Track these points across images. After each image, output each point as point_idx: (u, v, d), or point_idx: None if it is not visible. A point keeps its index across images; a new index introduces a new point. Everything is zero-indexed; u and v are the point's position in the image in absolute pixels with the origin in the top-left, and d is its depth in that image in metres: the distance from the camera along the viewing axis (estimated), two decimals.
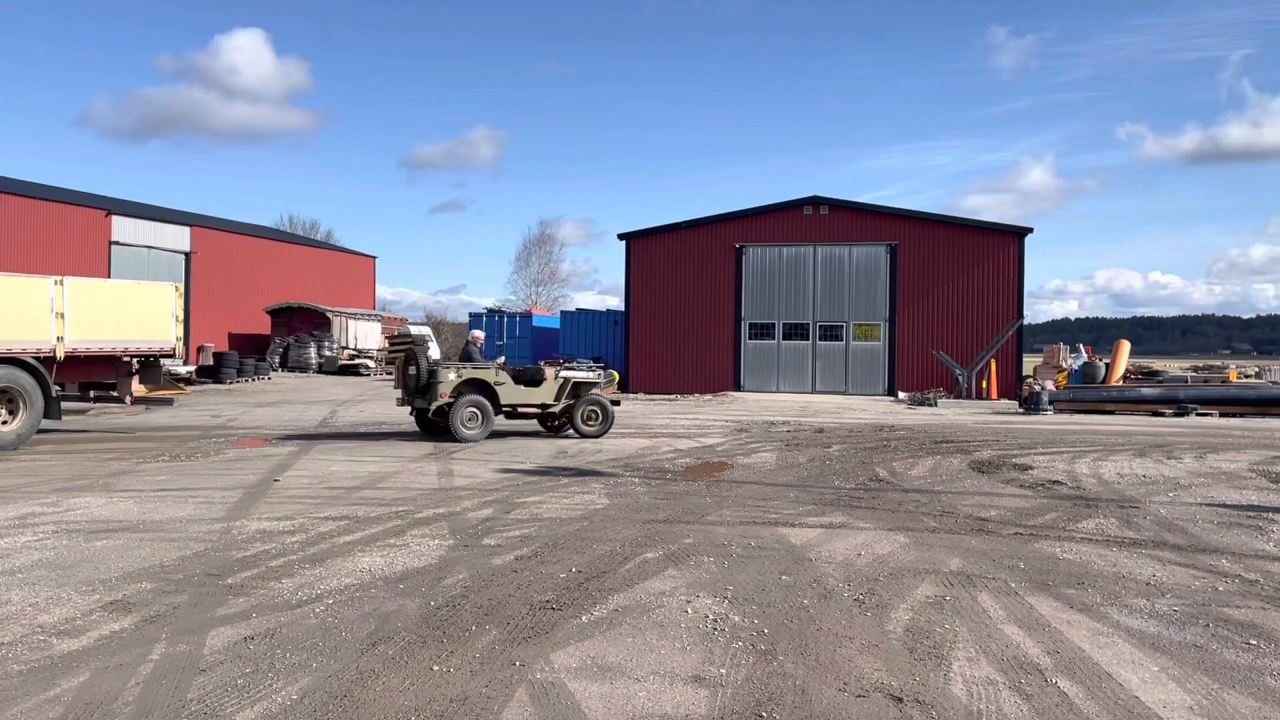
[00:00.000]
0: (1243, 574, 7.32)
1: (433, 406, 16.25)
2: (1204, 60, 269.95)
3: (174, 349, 17.76)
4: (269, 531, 8.57)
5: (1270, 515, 9.84)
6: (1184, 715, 4.55)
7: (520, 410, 17.02)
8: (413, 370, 16.66)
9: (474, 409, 16.27)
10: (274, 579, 6.88)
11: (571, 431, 17.22)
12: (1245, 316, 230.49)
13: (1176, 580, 7.12)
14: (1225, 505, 10.47)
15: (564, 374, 17.03)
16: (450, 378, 16.44)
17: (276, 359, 44.25)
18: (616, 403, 17.85)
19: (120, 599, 6.36)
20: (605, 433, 16.93)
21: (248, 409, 23.75)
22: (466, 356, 17.52)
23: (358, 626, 5.77)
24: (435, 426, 16.66)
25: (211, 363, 35.81)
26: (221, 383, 34.26)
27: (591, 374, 17.49)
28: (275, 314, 47.49)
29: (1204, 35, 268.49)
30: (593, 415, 16.94)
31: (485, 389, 16.57)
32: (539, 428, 17.87)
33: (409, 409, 17.39)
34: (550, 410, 17.05)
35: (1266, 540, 8.59)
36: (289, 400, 27.26)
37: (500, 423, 17.26)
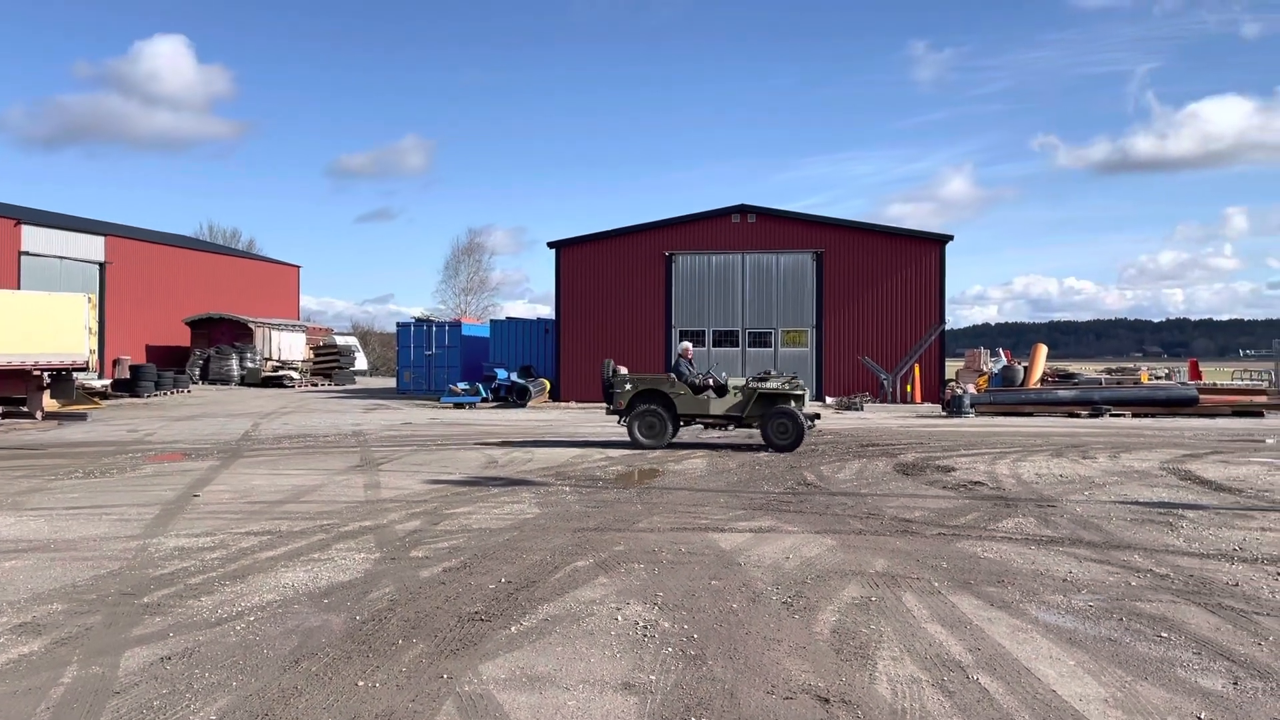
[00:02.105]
0: (1154, 569, 7.58)
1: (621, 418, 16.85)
2: (1112, 74, 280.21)
3: (87, 362, 17.25)
4: (188, 548, 8.33)
5: (1180, 512, 10.21)
6: (1099, 707, 4.69)
7: (699, 419, 16.92)
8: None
9: (651, 419, 16.59)
10: (192, 597, 6.70)
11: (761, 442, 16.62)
12: (1156, 320, 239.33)
13: (1092, 576, 7.34)
14: (1138, 503, 10.83)
15: (754, 386, 16.67)
16: (626, 388, 16.89)
17: (197, 371, 43.15)
18: (815, 416, 17.10)
19: (29, 621, 6.12)
20: (796, 446, 16.07)
21: (166, 423, 23.08)
22: (676, 370, 17.20)
23: (280, 643, 5.65)
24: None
25: (128, 376, 34.73)
26: (139, 396, 33.26)
27: (783, 385, 16.71)
28: (195, 325, 46.33)
29: (1111, 50, 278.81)
30: (783, 429, 16.17)
31: (663, 399, 16.71)
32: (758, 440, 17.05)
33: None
34: (741, 421, 16.71)
35: (1177, 536, 8.91)
36: (210, 413, 26.57)
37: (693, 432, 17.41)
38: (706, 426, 17.28)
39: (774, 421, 16.25)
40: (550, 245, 34.27)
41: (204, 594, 6.77)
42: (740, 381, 17.07)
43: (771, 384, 16.66)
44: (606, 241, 34.11)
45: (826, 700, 4.76)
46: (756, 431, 16.90)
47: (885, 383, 31.06)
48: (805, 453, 15.85)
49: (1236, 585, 7.06)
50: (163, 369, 37.14)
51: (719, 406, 16.70)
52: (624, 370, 17.57)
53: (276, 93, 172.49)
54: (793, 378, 17.33)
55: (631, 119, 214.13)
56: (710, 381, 16.90)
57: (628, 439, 16.85)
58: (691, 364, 17.66)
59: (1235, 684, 5.02)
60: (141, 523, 9.58)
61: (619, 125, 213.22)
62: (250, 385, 42.33)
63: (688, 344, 18.61)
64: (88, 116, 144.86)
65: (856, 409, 28.11)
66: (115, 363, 38.27)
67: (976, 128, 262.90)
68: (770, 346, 33.25)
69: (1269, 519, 9.81)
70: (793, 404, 16.43)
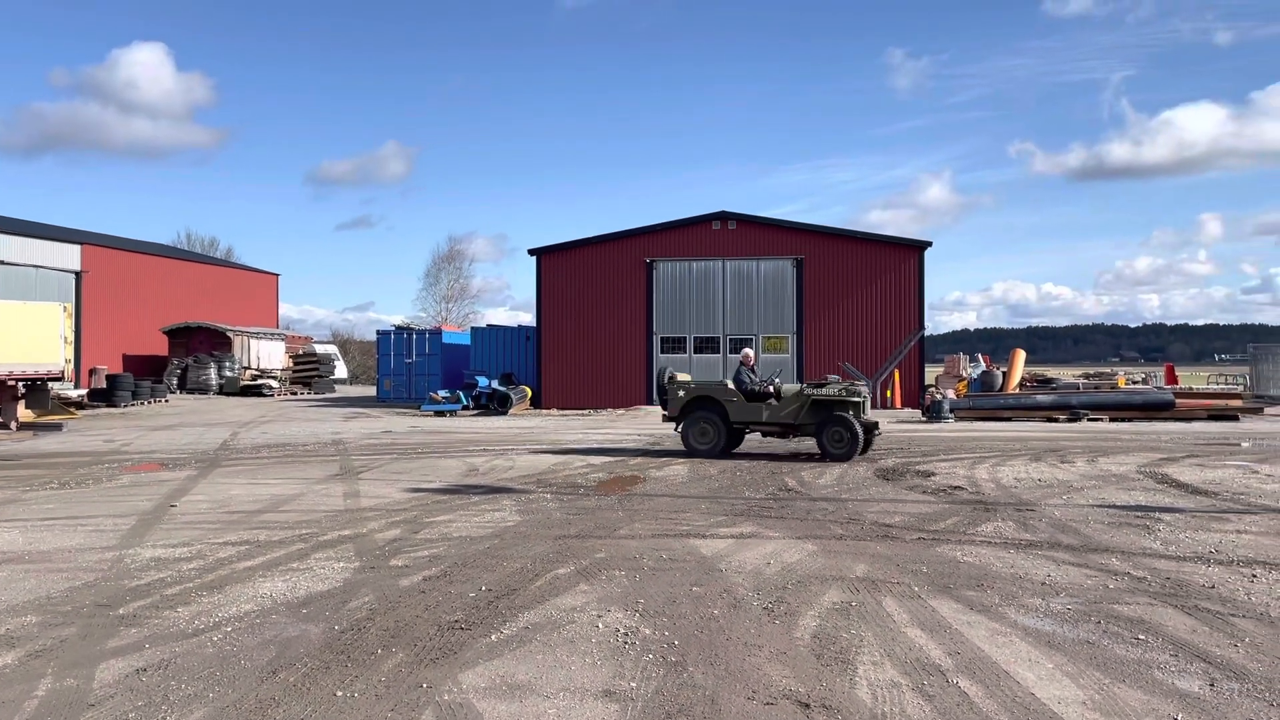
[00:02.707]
0: (1131, 572, 7.63)
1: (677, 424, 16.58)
2: (1087, 82, 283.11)
3: (63, 372, 17.06)
4: (164, 559, 8.25)
5: (1157, 515, 10.29)
6: (1077, 710, 4.71)
7: (753, 427, 16.47)
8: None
9: (705, 425, 16.28)
10: (169, 608, 6.63)
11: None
12: (1133, 325, 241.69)
13: (1070, 579, 7.39)
14: (1115, 506, 10.91)
15: (808, 392, 16.01)
16: (679, 395, 16.55)
17: (174, 381, 42.78)
18: (874, 425, 16.23)
19: (3, 634, 6.04)
20: (852, 456, 15.36)
21: (143, 433, 22.88)
22: (736, 378, 16.63)
23: (257, 654, 5.60)
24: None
25: (105, 386, 34.43)
26: (116, 406, 32.96)
27: (839, 391, 15.92)
28: (173, 334, 45.99)
29: (1087, 58, 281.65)
30: (839, 437, 15.42)
31: (716, 406, 16.34)
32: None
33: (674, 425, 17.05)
34: (795, 429, 16.10)
35: (1154, 539, 8.98)
36: (188, 423, 26.36)
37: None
38: (764, 435, 16.83)
39: (829, 430, 15.55)
40: (531, 252, 34.24)
41: (180, 605, 6.71)
42: (795, 387, 16.51)
43: (827, 390, 15.99)
44: (587, 248, 34.11)
45: (807, 706, 4.77)
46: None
47: (866, 388, 31.22)
48: (786, 459, 15.85)
49: (1213, 587, 7.12)
50: (140, 378, 36.82)
51: (772, 414, 16.14)
52: (683, 376, 17.18)
53: (256, 100, 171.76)
54: (852, 383, 16.67)
55: (612, 126, 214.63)
56: (770, 389, 16.35)
57: (609, 446, 16.84)
58: (754, 370, 17.00)
59: (1212, 685, 5.05)
60: (117, 533, 9.48)
61: (600, 133, 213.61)
62: (229, 394, 42.03)
63: (749, 350, 17.92)
64: (65, 124, 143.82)
65: None
66: (92, 372, 37.91)
67: (955, 135, 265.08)
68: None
69: (1244, 521, 9.90)
70: (850, 411, 15.66)
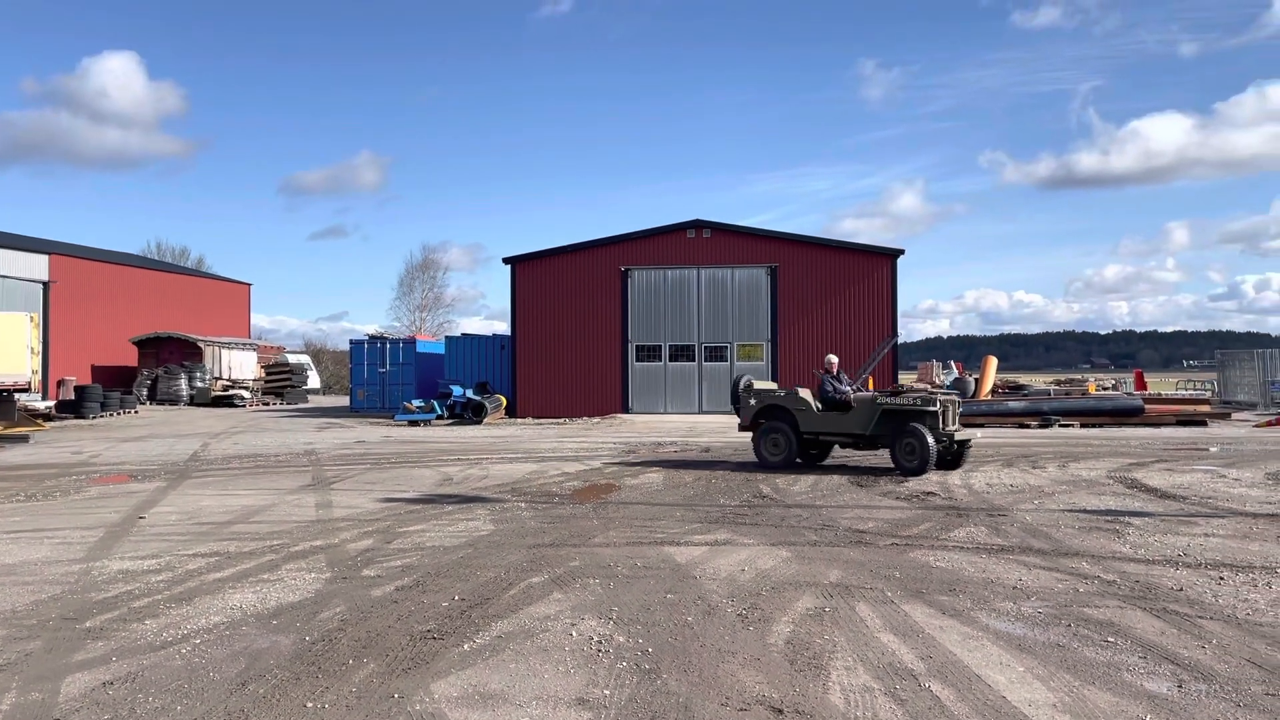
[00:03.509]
0: (1101, 575, 7.70)
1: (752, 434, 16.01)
2: (1055, 92, 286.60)
3: (29, 383, 16.84)
4: (132, 571, 8.15)
5: (1127, 519, 10.40)
6: (1048, 712, 4.74)
7: (824, 438, 15.70)
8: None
9: (776, 436, 15.70)
10: (136, 620, 6.54)
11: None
12: (1103, 332, 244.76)
13: (1041, 583, 7.44)
14: (1086, 511, 11.01)
15: (880, 401, 15.07)
16: (750, 403, 16.04)
17: (144, 391, 42.31)
18: (956, 439, 14.93)
19: None
20: (924, 471, 14.25)
21: (112, 444, 22.60)
22: (821, 388, 15.70)
23: (227, 666, 5.53)
24: (806, 454, 16.00)
25: (73, 397, 33.98)
26: (84, 418, 32.53)
27: (914, 400, 14.95)
28: (143, 345, 45.46)
29: (1055, 69, 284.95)
30: (910, 450, 14.37)
31: (786, 415, 15.74)
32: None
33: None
34: (868, 440, 15.19)
35: (1123, 543, 9.07)
36: (157, 434, 26.05)
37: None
38: (841, 446, 15.88)
39: (901, 442, 14.51)
40: (506, 261, 34.16)
41: (148, 617, 6.62)
42: (869, 395, 15.61)
43: (902, 399, 15.09)
44: (562, 257, 34.09)
45: (780, 711, 4.77)
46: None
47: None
48: (759, 468, 15.82)
49: (1181, 590, 7.20)
50: (109, 389, 36.37)
51: (842, 424, 15.32)
52: (763, 384, 16.43)
53: (229, 110, 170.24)
54: (931, 390, 15.44)
55: (587, 136, 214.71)
56: (848, 397, 15.43)
57: (584, 454, 16.78)
58: (838, 377, 15.95)
59: (1180, 687, 5.11)
60: (85, 546, 9.35)
61: (575, 142, 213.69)
62: (200, 405, 41.59)
63: (833, 356, 16.67)
64: (35, 134, 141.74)
65: None
66: (60, 383, 37.41)
67: (926, 145, 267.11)
68: (726, 361, 33.38)
69: (1212, 525, 10.02)
70: (926, 421, 14.55)
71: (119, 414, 34.63)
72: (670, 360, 33.53)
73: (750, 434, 16.28)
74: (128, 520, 10.96)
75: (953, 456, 15.08)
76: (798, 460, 15.84)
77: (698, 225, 33.58)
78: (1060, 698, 4.93)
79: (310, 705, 4.88)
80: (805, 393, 15.82)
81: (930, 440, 14.28)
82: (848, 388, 15.67)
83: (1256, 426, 26.03)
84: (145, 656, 5.72)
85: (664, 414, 32.60)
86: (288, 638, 6.08)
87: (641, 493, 12.93)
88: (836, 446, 16.13)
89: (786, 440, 15.65)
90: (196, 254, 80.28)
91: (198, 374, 43.28)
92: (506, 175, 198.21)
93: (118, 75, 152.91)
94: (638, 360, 33.59)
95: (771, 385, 16.70)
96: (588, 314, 33.55)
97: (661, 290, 33.63)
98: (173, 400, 42.20)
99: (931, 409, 14.59)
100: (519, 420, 31.61)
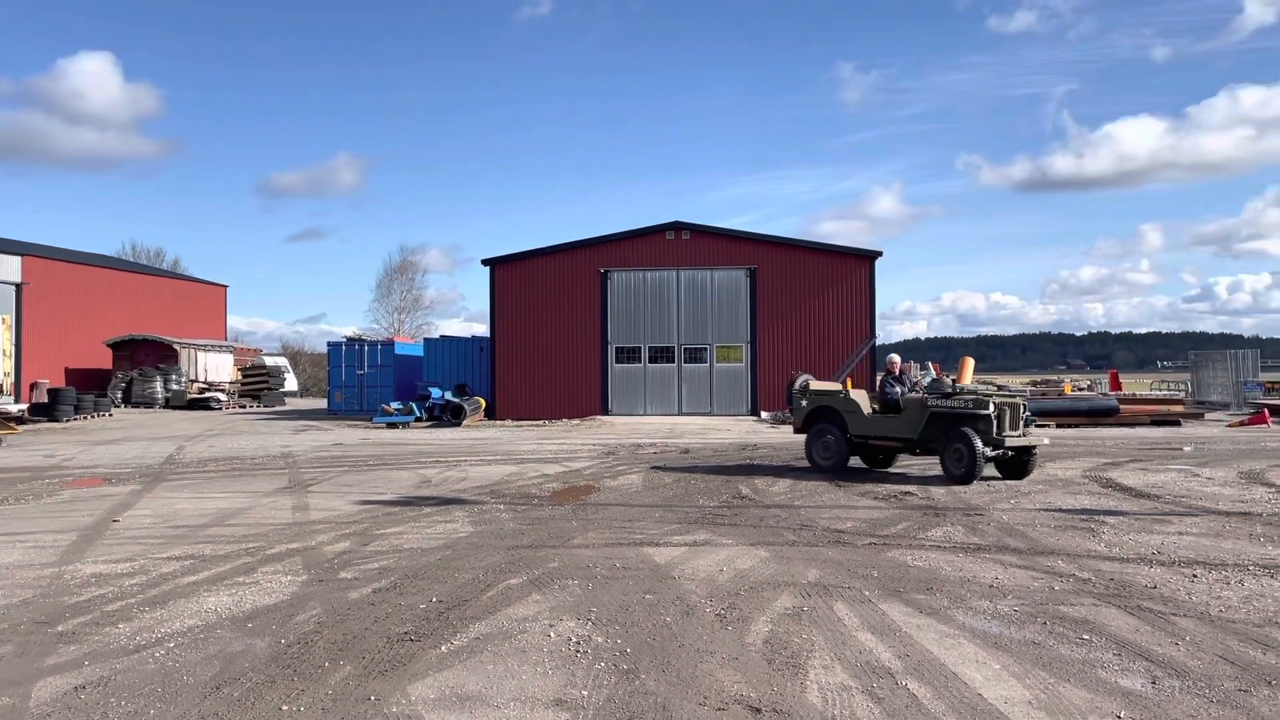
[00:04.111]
0: (1076, 573, 7.76)
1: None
2: (1030, 96, 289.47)
3: (1, 385, 16.57)
4: (105, 574, 8.06)
5: (1101, 518, 10.49)
6: (1023, 709, 4.77)
7: (873, 442, 14.94)
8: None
9: (828, 438, 15.19)
10: (109, 624, 6.47)
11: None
12: (1079, 334, 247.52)
13: (1017, 582, 7.49)
14: (1061, 510, 11.10)
15: (930, 404, 14.10)
16: (802, 405, 15.66)
17: (119, 394, 41.86)
18: (1014, 448, 13.75)
19: None
20: (972, 479, 13.26)
21: (86, 447, 22.36)
22: (881, 389, 15.02)
23: (201, 669, 5.48)
24: (874, 459, 15.43)
25: (46, 400, 33.52)
26: (58, 421, 32.13)
27: (965, 403, 13.78)
28: (117, 347, 45.01)
29: (1030, 73, 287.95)
30: (959, 456, 13.42)
31: (837, 417, 15.16)
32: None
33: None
34: (919, 445, 14.38)
35: (1098, 541, 9.14)
36: (132, 437, 25.80)
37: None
38: (894, 451, 15.07)
39: (950, 448, 13.58)
40: (485, 263, 34.06)
41: (122, 621, 6.55)
42: (920, 397, 14.44)
43: (953, 401, 13.94)
44: (541, 259, 34.02)
45: (758, 710, 4.77)
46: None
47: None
48: (740, 467, 15.86)
49: (1155, 588, 7.26)
50: (83, 392, 35.94)
51: (890, 428, 14.54)
52: (820, 384, 15.97)
53: (206, 111, 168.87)
54: (986, 391, 14.73)
55: (566, 138, 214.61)
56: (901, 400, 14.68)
57: (563, 456, 16.75)
58: (901, 379, 15.16)
59: (1154, 683, 5.15)
60: (57, 549, 9.24)
61: (553, 144, 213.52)
62: (176, 408, 41.23)
63: (895, 355, 15.82)
64: (7, 135, 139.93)
65: (791, 424, 28.33)
66: (33, 386, 36.96)
67: (904, 147, 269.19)
68: (705, 362, 33.42)
69: (1186, 523, 10.12)
70: (978, 426, 13.46)
71: (93, 417, 34.26)
72: (650, 362, 33.54)
73: (803, 437, 15.85)
74: (101, 523, 10.84)
75: (1016, 465, 13.96)
76: (850, 465, 15.23)
77: (677, 227, 33.61)
78: (1036, 695, 4.96)
79: (286, 708, 4.84)
80: (859, 394, 15.26)
81: (979, 446, 13.20)
82: (899, 389, 14.84)
83: (1229, 426, 26.35)
84: (118, 660, 5.66)
85: (644, 415, 32.59)
86: (263, 640, 6.03)
87: (621, 494, 12.92)
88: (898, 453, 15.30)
89: (838, 444, 15.08)
90: (172, 256, 79.45)
91: (173, 376, 42.89)
92: (485, 177, 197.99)
93: (93, 76, 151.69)
94: (617, 362, 33.57)
95: (834, 386, 16.14)
96: (567, 316, 33.50)
97: (641, 292, 33.63)
98: (148, 403, 41.79)
99: (984, 412, 13.44)
100: (498, 422, 31.52)
